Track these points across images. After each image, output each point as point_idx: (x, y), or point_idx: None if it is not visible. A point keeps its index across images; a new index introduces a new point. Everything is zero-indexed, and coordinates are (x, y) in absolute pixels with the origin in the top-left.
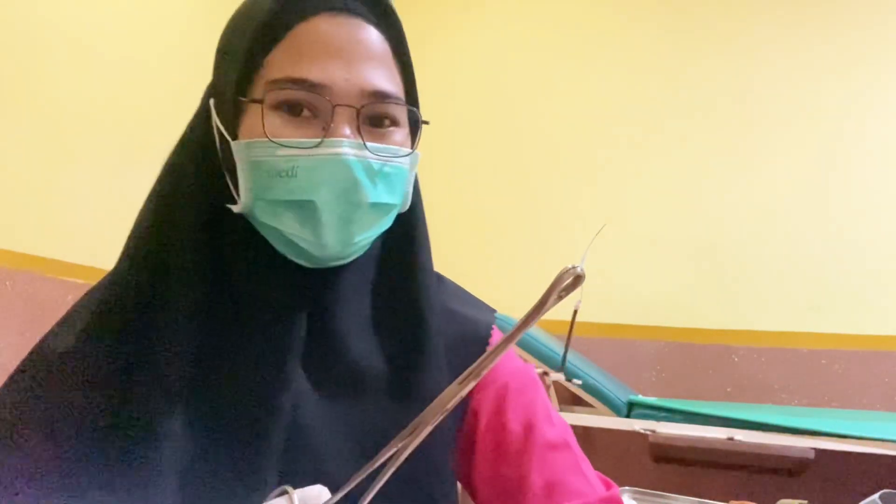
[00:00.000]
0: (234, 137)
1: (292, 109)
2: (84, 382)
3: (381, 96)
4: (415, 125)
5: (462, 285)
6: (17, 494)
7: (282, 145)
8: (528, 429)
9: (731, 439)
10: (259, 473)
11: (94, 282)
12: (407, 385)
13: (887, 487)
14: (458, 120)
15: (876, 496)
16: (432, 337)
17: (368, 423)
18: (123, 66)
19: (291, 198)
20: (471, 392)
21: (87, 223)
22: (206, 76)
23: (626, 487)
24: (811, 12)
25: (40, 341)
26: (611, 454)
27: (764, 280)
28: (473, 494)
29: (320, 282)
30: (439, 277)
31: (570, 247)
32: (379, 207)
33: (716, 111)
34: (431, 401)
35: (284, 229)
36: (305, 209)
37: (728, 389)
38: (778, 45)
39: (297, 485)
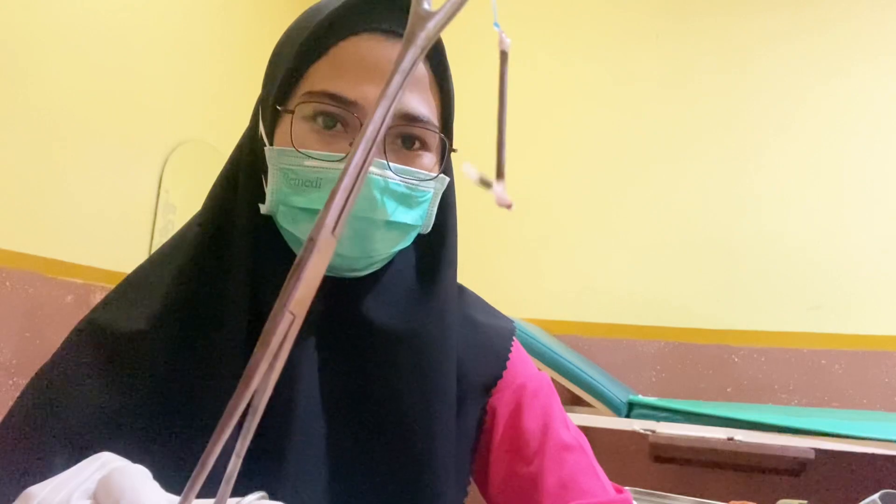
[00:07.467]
0: (272, 143)
1: (325, 122)
2: (152, 364)
3: (410, 119)
4: (445, 150)
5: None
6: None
7: (309, 156)
8: (545, 429)
9: (731, 439)
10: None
11: (94, 282)
12: (421, 404)
13: (887, 487)
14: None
15: (876, 496)
16: (445, 361)
17: (373, 435)
18: (124, 65)
19: (311, 206)
20: (490, 393)
21: (87, 223)
22: (206, 75)
23: (626, 488)
24: (813, 12)
25: (95, 319)
26: (611, 454)
27: (764, 280)
28: (487, 493)
29: (336, 290)
30: (460, 288)
31: (573, 249)
32: (396, 226)
33: (717, 113)
34: (442, 422)
35: (300, 235)
36: None
37: (728, 389)
38: (780, 46)
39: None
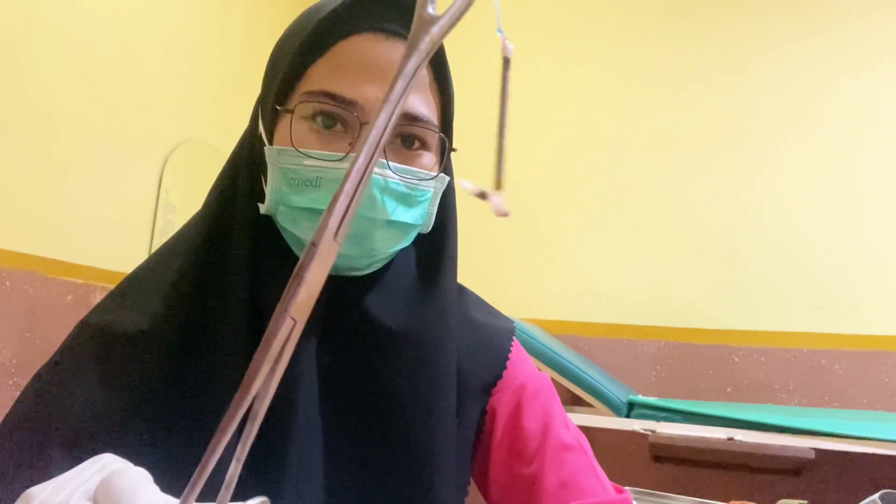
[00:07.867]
0: (272, 143)
1: (325, 122)
2: (153, 366)
3: (410, 118)
4: (445, 150)
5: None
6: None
7: (308, 156)
8: (545, 429)
9: (731, 439)
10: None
11: (94, 282)
12: (421, 404)
13: (887, 487)
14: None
15: (876, 496)
16: (445, 361)
17: (373, 435)
18: (124, 65)
19: (311, 206)
20: (489, 393)
21: (87, 223)
22: (206, 75)
23: (626, 488)
24: (815, 13)
25: (95, 319)
26: (611, 454)
27: (764, 280)
28: (487, 493)
29: (336, 290)
30: (461, 289)
31: (574, 250)
32: (396, 226)
33: (718, 115)
34: (442, 422)
35: (301, 235)
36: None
37: (728, 389)
38: (783, 47)
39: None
